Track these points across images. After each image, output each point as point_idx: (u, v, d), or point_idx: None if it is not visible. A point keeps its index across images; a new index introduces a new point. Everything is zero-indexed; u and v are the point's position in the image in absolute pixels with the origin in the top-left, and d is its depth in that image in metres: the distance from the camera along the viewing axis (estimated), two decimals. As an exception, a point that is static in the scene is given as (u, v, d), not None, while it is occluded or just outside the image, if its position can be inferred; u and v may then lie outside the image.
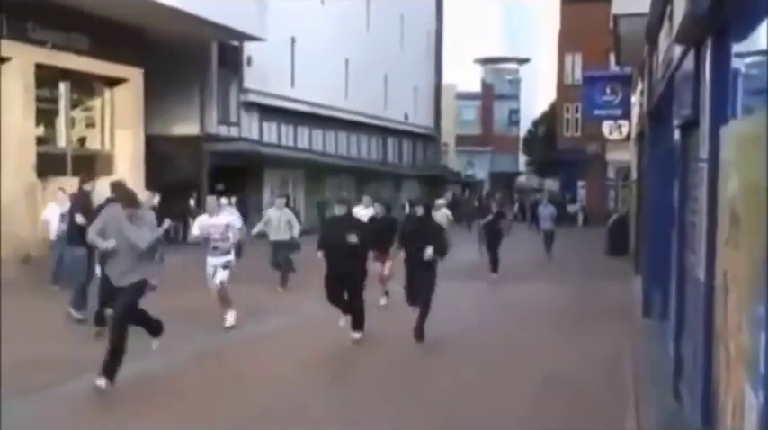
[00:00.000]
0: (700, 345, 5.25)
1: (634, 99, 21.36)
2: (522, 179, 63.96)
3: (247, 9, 22.17)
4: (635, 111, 20.93)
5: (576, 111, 43.46)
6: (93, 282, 10.43)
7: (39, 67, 17.62)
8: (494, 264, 16.64)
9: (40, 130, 18.72)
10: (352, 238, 9.54)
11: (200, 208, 16.56)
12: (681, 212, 7.34)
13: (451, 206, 29.91)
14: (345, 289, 9.79)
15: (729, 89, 4.82)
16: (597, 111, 26.19)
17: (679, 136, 7.59)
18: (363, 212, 15.09)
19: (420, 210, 10.15)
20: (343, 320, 9.85)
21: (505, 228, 18.76)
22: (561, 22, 46.53)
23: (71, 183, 14.25)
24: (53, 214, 13.66)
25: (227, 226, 10.49)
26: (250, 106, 27.60)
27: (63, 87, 19.44)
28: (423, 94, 43.89)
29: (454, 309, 12.22)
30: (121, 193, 7.71)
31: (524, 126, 62.32)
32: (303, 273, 14.18)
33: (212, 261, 10.45)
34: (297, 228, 14.62)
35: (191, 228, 11.53)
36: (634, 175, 21.32)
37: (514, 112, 63.55)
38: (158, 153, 22.07)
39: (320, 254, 9.94)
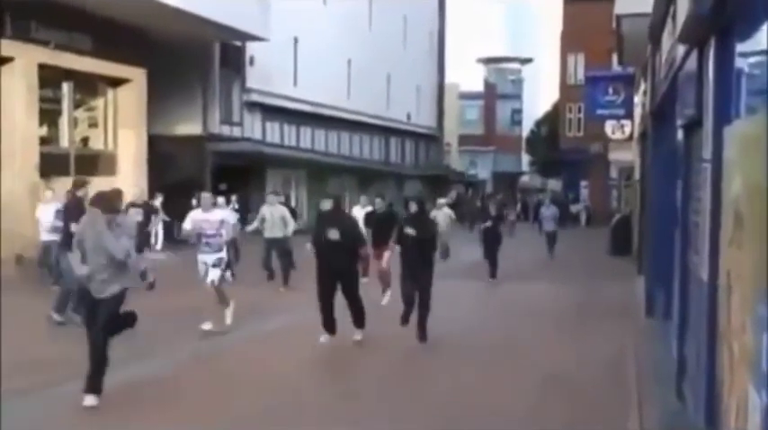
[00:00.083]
0: (703, 345, 5.24)
1: (637, 99, 21.33)
2: (524, 179, 63.97)
3: (250, 9, 22.18)
4: (638, 111, 20.90)
5: (579, 111, 43.48)
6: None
7: (42, 67, 17.65)
8: (493, 267, 16.38)
9: (44, 131, 18.75)
10: (333, 235, 9.24)
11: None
12: (684, 212, 7.33)
13: (455, 206, 30.00)
14: (339, 287, 9.46)
15: (733, 89, 4.80)
16: (600, 111, 26.14)
17: (682, 136, 7.58)
18: (361, 213, 15.10)
19: (414, 206, 9.98)
20: (324, 338, 9.42)
21: (508, 229, 18.74)
22: (564, 22, 46.54)
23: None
24: (43, 215, 13.59)
25: (222, 221, 10.26)
26: (253, 106, 27.61)
27: (66, 87, 19.47)
28: (425, 94, 43.89)
29: (455, 309, 12.21)
30: (100, 198, 7.30)
31: (527, 126, 62.36)
32: (306, 271, 14.17)
33: (203, 258, 10.13)
34: (291, 226, 14.44)
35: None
36: (637, 175, 21.28)
37: (517, 112, 63.56)
38: (161, 153, 22.10)
39: (308, 246, 9.70)
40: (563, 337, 10.50)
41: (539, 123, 59.19)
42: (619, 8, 13.21)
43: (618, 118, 25.69)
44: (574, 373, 8.39)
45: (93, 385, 6.72)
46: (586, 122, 40.56)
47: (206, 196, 10.69)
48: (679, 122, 7.74)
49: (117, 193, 7.61)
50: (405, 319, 9.85)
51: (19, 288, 13.19)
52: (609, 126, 26.57)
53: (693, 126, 6.53)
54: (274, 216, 14.37)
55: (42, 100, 18.24)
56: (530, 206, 43.60)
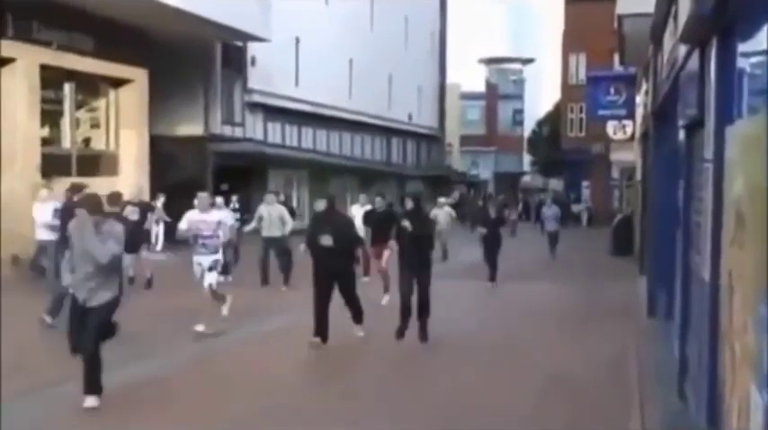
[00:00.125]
0: (705, 346, 5.24)
1: (638, 99, 21.32)
2: (526, 179, 64.00)
3: (251, 9, 22.19)
4: (639, 112, 20.89)
5: (581, 112, 43.45)
6: None
7: (44, 67, 17.66)
8: (492, 270, 16.08)
9: (45, 131, 18.76)
10: (326, 241, 9.12)
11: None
12: (686, 212, 7.33)
13: (458, 206, 30.03)
14: (337, 287, 9.38)
15: (735, 89, 4.80)
16: (601, 112, 26.12)
17: (684, 136, 7.57)
18: (360, 212, 15.07)
19: (410, 203, 9.84)
20: (315, 341, 9.21)
21: (510, 229, 18.69)
22: (565, 22, 46.53)
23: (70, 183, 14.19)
24: (39, 213, 13.48)
25: (219, 223, 10.07)
26: (254, 106, 27.62)
27: (68, 88, 19.48)
28: (427, 95, 43.89)
29: (456, 309, 12.20)
30: (85, 199, 7.03)
31: (528, 126, 62.39)
32: (304, 272, 14.15)
33: (199, 259, 9.95)
34: (289, 225, 14.35)
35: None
36: (639, 175, 21.27)
37: (519, 112, 63.58)
38: (163, 153, 22.11)
39: (302, 247, 9.56)
40: (564, 337, 10.49)
41: (540, 123, 59.21)
42: (620, 8, 13.20)
43: (619, 118, 25.66)
44: (575, 373, 8.38)
45: (93, 387, 6.70)
46: (588, 122, 40.54)
47: (202, 196, 10.39)
48: (681, 122, 7.74)
49: (99, 196, 7.29)
50: (400, 333, 9.62)
51: (15, 288, 13.14)
52: (610, 126, 26.54)
53: (695, 126, 6.53)
54: (272, 215, 14.28)
55: (44, 101, 18.24)
56: (531, 206, 43.64)
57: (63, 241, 10.60)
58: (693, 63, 6.35)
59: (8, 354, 7.76)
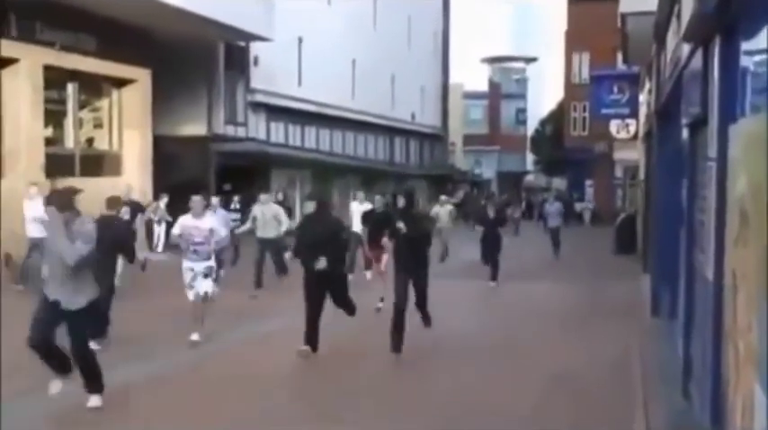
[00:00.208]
0: (709, 345, 5.23)
1: (642, 98, 21.32)
2: (529, 178, 63.98)
3: (254, 9, 22.19)
4: (642, 110, 20.89)
5: (584, 110, 43.41)
6: None
7: (47, 68, 17.68)
8: (494, 270, 15.88)
9: (49, 131, 18.78)
10: (321, 264, 8.81)
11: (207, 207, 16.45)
12: (689, 211, 7.32)
13: (462, 205, 30.00)
14: (328, 292, 9.16)
15: (738, 87, 4.79)
16: (605, 110, 26.15)
17: (687, 134, 7.56)
18: (359, 209, 15.04)
19: (401, 201, 9.56)
20: (304, 350, 8.91)
21: (513, 228, 18.64)
22: (568, 21, 46.47)
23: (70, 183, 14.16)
24: (28, 211, 13.32)
25: (211, 230, 9.75)
26: (257, 106, 27.62)
27: (71, 88, 19.50)
28: (430, 94, 43.88)
29: (456, 309, 12.19)
30: (54, 195, 6.63)
31: (531, 125, 62.35)
32: (302, 272, 14.07)
33: (190, 265, 9.61)
34: (285, 225, 13.91)
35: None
36: (642, 174, 21.26)
37: (522, 112, 63.53)
38: (166, 153, 22.12)
39: (288, 255, 9.21)
40: (567, 337, 10.48)
41: (543, 122, 59.16)
42: (624, 7, 13.19)
43: (623, 117, 25.69)
44: (578, 373, 8.37)
45: (94, 386, 6.68)
46: (591, 121, 40.49)
47: (196, 200, 9.95)
48: (684, 121, 7.72)
49: (72, 190, 6.74)
50: (395, 347, 9.07)
51: (9, 287, 13.08)
52: (614, 125, 26.55)
53: (698, 125, 6.52)
54: (266, 215, 13.85)
55: (47, 101, 18.26)
56: (534, 205, 43.64)
57: None
58: (696, 61, 6.34)
59: (8, 354, 7.75)
